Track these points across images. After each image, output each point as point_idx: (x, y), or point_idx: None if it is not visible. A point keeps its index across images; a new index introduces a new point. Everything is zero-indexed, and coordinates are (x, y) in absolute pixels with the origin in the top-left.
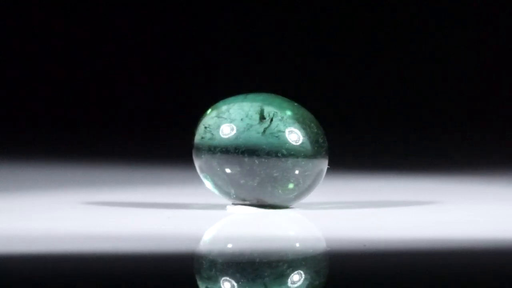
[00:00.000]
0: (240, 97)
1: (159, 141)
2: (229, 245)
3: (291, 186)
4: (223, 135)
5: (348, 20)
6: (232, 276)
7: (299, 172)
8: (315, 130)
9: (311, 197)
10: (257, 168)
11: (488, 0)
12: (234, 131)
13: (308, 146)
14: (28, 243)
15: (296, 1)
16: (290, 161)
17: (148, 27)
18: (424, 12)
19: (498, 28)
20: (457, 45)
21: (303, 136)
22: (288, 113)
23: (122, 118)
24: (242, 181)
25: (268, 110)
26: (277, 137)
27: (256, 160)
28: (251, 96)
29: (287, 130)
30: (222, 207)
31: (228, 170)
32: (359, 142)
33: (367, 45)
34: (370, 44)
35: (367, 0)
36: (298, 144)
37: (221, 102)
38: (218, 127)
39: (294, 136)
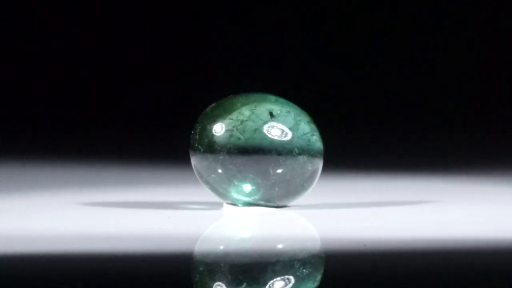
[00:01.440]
0: (242, 96)
1: (159, 141)
2: (230, 246)
3: (309, 190)
4: (216, 133)
5: (346, 19)
6: (234, 277)
7: (311, 170)
8: (316, 127)
9: (310, 197)
10: (277, 168)
11: (488, 0)
12: (224, 130)
13: (319, 144)
14: (28, 243)
15: (292, 1)
16: (304, 159)
17: (148, 27)
18: (424, 11)
19: (498, 28)
20: (457, 45)
21: (314, 134)
22: (304, 112)
23: (121, 118)
24: (259, 181)
25: (286, 109)
26: (307, 139)
27: (280, 160)
28: (257, 95)
29: (303, 130)
30: (222, 206)
31: (247, 170)
32: (359, 142)
33: (367, 44)
34: (370, 44)
35: (366, 0)
36: (313, 142)
37: (235, 103)
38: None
39: (311, 135)
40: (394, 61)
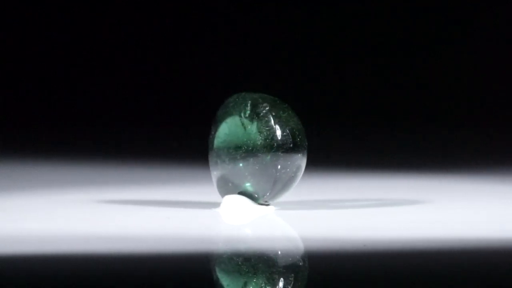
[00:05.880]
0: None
1: (159, 140)
2: (230, 245)
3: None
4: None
5: (337, 16)
6: (236, 276)
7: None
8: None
9: (308, 197)
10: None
11: (488, 0)
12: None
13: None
14: (28, 243)
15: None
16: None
17: (164, 26)
18: (411, 7)
19: (498, 27)
20: (449, 42)
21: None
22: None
23: (125, 117)
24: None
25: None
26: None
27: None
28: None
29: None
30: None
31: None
32: (360, 142)
33: (354, 42)
34: (359, 43)
35: None
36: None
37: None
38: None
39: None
40: (382, 58)
